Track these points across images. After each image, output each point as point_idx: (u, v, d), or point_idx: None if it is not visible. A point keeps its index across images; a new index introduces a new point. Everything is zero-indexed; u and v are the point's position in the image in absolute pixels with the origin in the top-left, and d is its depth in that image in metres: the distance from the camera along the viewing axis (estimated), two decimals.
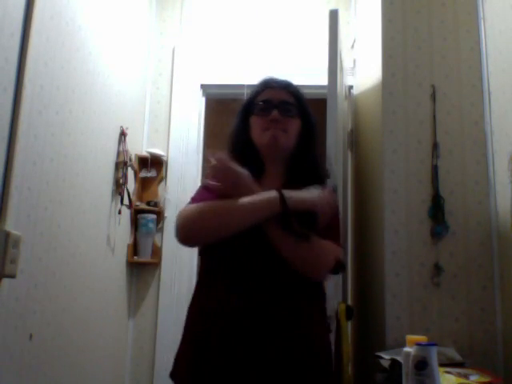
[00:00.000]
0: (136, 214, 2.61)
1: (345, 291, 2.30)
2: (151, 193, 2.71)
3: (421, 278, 1.92)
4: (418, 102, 2.06)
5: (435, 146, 2.01)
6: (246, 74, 2.80)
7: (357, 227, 2.55)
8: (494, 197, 1.94)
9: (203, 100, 2.93)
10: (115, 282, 2.38)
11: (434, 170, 1.99)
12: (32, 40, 1.46)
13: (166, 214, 2.68)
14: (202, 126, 2.93)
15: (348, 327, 2.23)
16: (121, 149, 2.36)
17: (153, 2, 2.91)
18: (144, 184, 2.71)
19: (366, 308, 2.22)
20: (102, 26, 2.08)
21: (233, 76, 2.84)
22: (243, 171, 1.20)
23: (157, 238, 2.67)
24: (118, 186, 2.34)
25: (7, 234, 1.34)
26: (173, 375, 1.26)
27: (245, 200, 1.16)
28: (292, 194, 1.17)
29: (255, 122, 1.33)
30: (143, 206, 2.63)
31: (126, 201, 2.40)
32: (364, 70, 2.55)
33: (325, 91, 2.06)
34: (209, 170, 1.21)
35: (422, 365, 1.18)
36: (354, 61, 2.77)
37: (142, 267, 2.66)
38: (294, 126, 1.33)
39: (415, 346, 1.21)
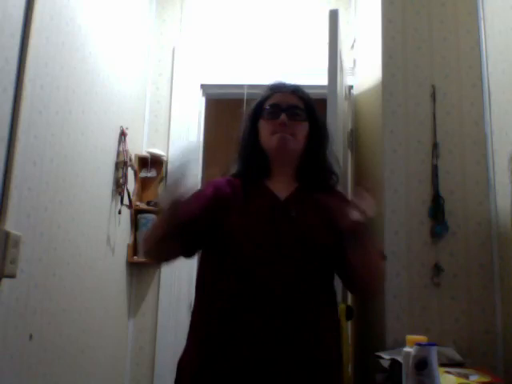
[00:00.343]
0: (136, 214, 2.61)
1: (345, 291, 2.30)
2: (151, 193, 2.71)
3: (421, 278, 1.92)
4: (417, 102, 2.06)
5: (435, 146, 2.01)
6: (245, 73, 2.81)
7: None
8: (494, 197, 1.94)
9: (203, 100, 2.93)
10: (115, 282, 2.38)
11: (434, 170, 1.99)
12: (32, 40, 1.46)
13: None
14: (202, 126, 2.93)
15: (348, 327, 2.23)
16: (121, 149, 2.36)
17: (153, 2, 2.91)
18: (144, 184, 2.71)
19: (366, 308, 2.22)
20: (102, 26, 2.08)
21: (233, 76, 2.84)
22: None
23: None
24: (118, 186, 2.34)
25: (7, 234, 1.34)
26: (176, 383, 1.25)
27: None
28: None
29: (263, 126, 1.34)
30: (143, 206, 2.63)
31: (126, 201, 2.40)
32: (364, 70, 2.55)
33: (325, 91, 2.06)
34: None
35: (422, 365, 1.18)
36: (354, 61, 2.77)
37: (141, 267, 2.66)
38: (303, 129, 1.33)
39: (415, 346, 1.21)
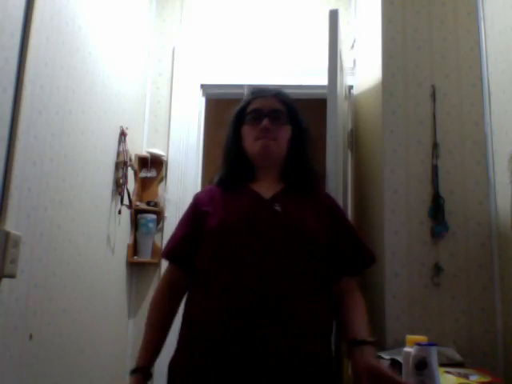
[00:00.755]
0: (136, 214, 2.61)
1: None
2: (151, 193, 2.71)
3: (421, 277, 1.92)
4: (417, 102, 2.06)
5: (435, 145, 2.01)
6: (246, 74, 2.81)
7: (357, 227, 2.54)
8: (494, 197, 1.94)
9: (203, 100, 2.93)
10: (115, 282, 2.38)
11: (434, 170, 1.99)
12: (32, 40, 1.46)
13: (166, 214, 2.68)
14: (202, 126, 2.93)
15: None
16: (121, 149, 2.36)
17: (153, 2, 2.91)
18: (144, 184, 2.71)
19: (366, 308, 2.21)
20: (102, 26, 2.08)
21: (233, 76, 2.84)
22: None
23: (157, 238, 2.67)
24: (118, 186, 2.34)
25: (7, 234, 1.34)
26: None
27: None
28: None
29: (246, 132, 1.35)
30: (143, 206, 2.63)
31: (126, 201, 2.40)
32: (364, 70, 2.55)
33: (325, 91, 2.06)
34: None
35: (422, 365, 1.18)
36: (354, 61, 2.77)
37: (141, 267, 2.66)
38: (285, 133, 1.35)
39: (415, 346, 1.21)
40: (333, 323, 1.32)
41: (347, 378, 1.91)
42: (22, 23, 1.43)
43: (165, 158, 2.75)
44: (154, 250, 2.63)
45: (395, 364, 1.56)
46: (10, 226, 1.37)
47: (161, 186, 2.74)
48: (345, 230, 1.35)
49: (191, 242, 1.29)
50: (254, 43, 2.87)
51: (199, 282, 1.25)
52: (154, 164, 2.70)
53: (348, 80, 2.73)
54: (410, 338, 1.30)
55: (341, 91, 2.33)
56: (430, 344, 1.21)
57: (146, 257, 2.60)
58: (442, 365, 1.54)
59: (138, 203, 2.61)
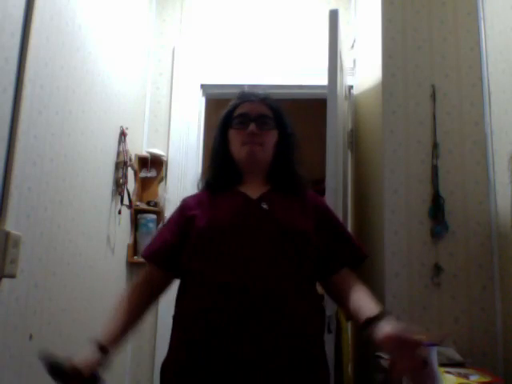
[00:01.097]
0: (136, 214, 2.61)
1: None
2: (151, 193, 2.71)
3: (421, 277, 1.92)
4: (417, 102, 2.06)
5: (435, 145, 2.01)
6: (246, 74, 2.81)
7: (357, 227, 2.55)
8: (494, 197, 1.94)
9: (203, 100, 2.93)
10: (115, 282, 2.38)
11: (434, 170, 1.99)
12: (32, 40, 1.46)
13: (165, 214, 2.68)
14: (202, 126, 2.93)
15: (348, 327, 2.23)
16: (121, 149, 2.36)
17: (153, 2, 2.91)
18: (144, 184, 2.71)
19: None
20: (102, 26, 2.08)
21: (233, 76, 2.84)
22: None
23: None
24: (118, 186, 2.34)
25: (7, 234, 1.34)
26: None
27: None
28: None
29: (233, 136, 1.35)
30: (143, 206, 2.63)
31: (126, 201, 2.40)
32: (364, 70, 2.55)
33: (325, 91, 2.06)
34: None
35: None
36: (354, 61, 2.77)
37: (142, 267, 2.63)
38: (271, 138, 1.35)
39: None
40: (324, 322, 1.32)
41: (347, 378, 1.91)
42: (22, 23, 1.43)
43: (165, 158, 2.75)
44: None
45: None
46: (10, 226, 1.37)
47: (161, 186, 2.73)
48: (334, 229, 1.35)
49: (175, 247, 1.29)
50: (254, 43, 2.87)
51: (187, 283, 1.25)
52: (154, 164, 2.70)
53: (348, 80, 2.73)
54: None
55: (341, 91, 2.33)
56: (430, 344, 1.21)
57: None
58: (442, 365, 1.54)
59: (138, 203, 2.61)
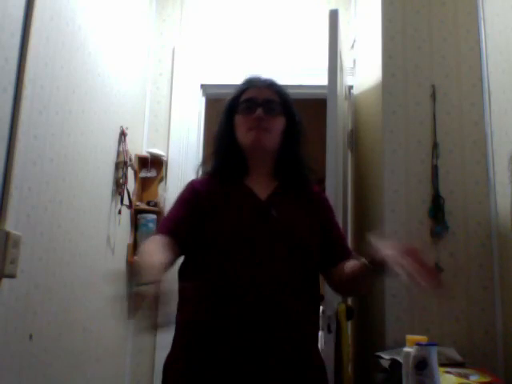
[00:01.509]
0: (136, 214, 2.61)
1: None
2: (151, 193, 2.71)
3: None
4: (417, 102, 2.06)
5: (435, 145, 2.01)
6: (246, 73, 2.80)
7: (357, 227, 2.55)
8: (494, 197, 1.94)
9: (203, 100, 2.93)
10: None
11: (434, 170, 1.99)
12: (32, 40, 1.46)
13: (165, 214, 2.68)
14: (202, 126, 2.93)
15: (348, 327, 2.23)
16: (121, 149, 2.36)
17: (153, 2, 2.91)
18: (144, 184, 2.71)
19: (366, 308, 2.22)
20: (102, 26, 2.08)
21: (233, 76, 2.81)
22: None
23: None
24: (118, 186, 2.34)
25: (7, 234, 1.34)
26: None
27: None
28: None
29: (239, 122, 1.31)
30: (143, 206, 2.63)
31: (126, 201, 2.40)
32: (364, 70, 2.55)
33: (325, 91, 2.06)
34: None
35: (421, 365, 1.18)
36: (354, 61, 2.77)
37: None
38: (278, 124, 1.31)
39: (415, 346, 1.21)
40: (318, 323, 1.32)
41: (347, 378, 1.91)
42: (22, 23, 1.43)
43: (165, 158, 2.75)
44: None
45: (395, 364, 1.56)
46: (10, 225, 1.37)
47: (161, 186, 2.73)
48: (333, 230, 1.35)
49: (188, 224, 1.23)
50: (254, 43, 2.87)
51: (188, 284, 1.23)
52: (153, 164, 2.70)
53: (348, 80, 2.73)
54: (410, 338, 1.30)
55: (341, 91, 2.33)
56: (430, 344, 1.21)
57: None
58: (442, 365, 1.54)
59: (138, 203, 2.61)
